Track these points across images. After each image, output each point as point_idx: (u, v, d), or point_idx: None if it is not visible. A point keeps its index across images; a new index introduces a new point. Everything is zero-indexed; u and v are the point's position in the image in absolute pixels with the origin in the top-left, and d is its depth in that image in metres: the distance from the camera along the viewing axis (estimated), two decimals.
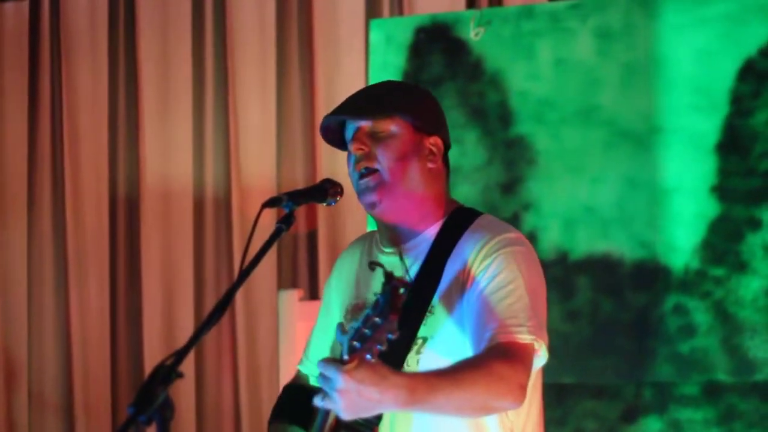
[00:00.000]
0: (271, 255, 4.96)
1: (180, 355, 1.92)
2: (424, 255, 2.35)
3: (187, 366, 4.90)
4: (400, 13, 4.91)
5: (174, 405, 1.86)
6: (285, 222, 2.25)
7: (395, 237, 2.41)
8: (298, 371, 2.63)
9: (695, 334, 3.98)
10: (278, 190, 4.99)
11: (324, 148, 4.96)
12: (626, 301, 4.06)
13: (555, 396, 3.93)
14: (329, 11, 5.07)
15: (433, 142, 2.40)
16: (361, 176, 2.36)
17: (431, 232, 2.38)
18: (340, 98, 4.86)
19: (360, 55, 4.94)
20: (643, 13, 4.14)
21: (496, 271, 2.27)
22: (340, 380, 1.98)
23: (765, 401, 3.91)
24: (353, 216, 4.80)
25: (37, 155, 5.37)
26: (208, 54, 5.22)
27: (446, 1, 4.86)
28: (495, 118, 4.24)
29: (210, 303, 5.10)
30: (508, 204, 4.18)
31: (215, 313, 2.04)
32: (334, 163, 4.85)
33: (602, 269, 4.08)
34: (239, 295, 4.99)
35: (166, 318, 5.19)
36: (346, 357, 2.00)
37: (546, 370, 2.38)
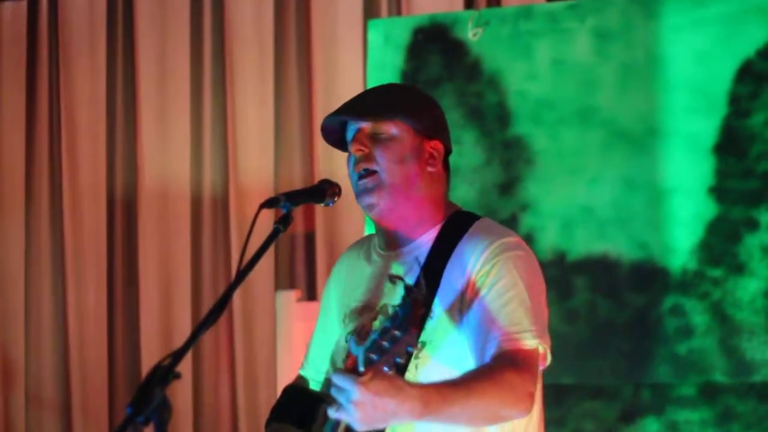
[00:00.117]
0: (269, 255, 4.96)
1: (177, 355, 1.92)
2: (422, 259, 2.35)
3: (185, 366, 4.90)
4: (399, 13, 4.91)
5: (171, 405, 1.86)
6: (283, 222, 2.25)
7: (393, 240, 2.41)
8: (299, 375, 2.63)
9: (693, 335, 3.98)
10: (276, 190, 4.99)
11: (322, 149, 4.96)
12: (624, 301, 4.06)
13: (553, 396, 3.93)
14: (327, 11, 5.07)
15: (434, 145, 2.39)
16: (360, 177, 2.36)
17: (429, 236, 2.38)
18: (338, 98, 4.92)
19: (358, 55, 4.94)
20: (642, 14, 4.14)
21: (496, 277, 2.27)
22: (356, 392, 1.98)
23: (762, 402, 3.91)
24: (351, 217, 4.79)
25: (35, 155, 5.37)
26: (206, 55, 5.22)
27: (444, 1, 4.86)
28: (493, 119, 4.24)
29: (207, 303, 5.10)
30: (505, 204, 4.18)
31: (213, 314, 2.04)
32: (332, 164, 4.84)
33: (600, 270, 4.08)
34: (237, 296, 4.99)
35: (164, 318, 5.19)
36: (362, 369, 1.99)
37: (544, 371, 2.39)
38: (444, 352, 2.27)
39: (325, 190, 2.37)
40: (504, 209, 4.16)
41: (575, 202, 4.12)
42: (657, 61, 4.11)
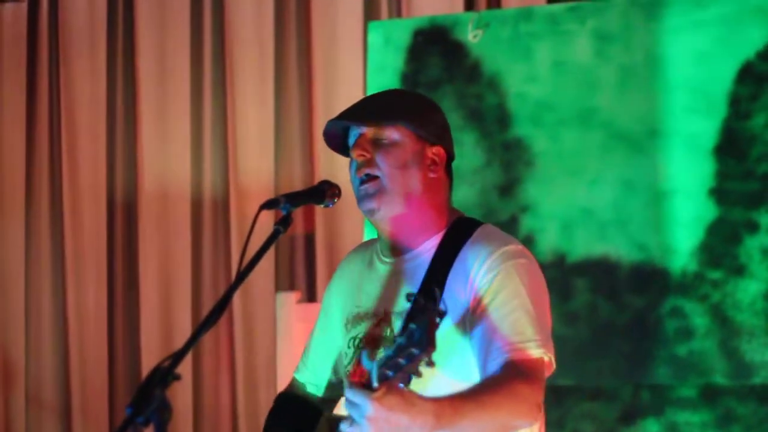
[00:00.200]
0: (269, 257, 4.96)
1: (177, 356, 1.92)
2: (425, 266, 2.35)
3: (185, 368, 4.90)
4: (399, 15, 4.91)
5: (171, 406, 1.86)
6: (283, 224, 2.25)
7: (396, 247, 2.40)
8: (294, 379, 2.62)
9: (693, 336, 3.98)
10: (276, 191, 4.99)
11: (322, 150, 4.96)
12: (624, 303, 4.06)
13: (553, 398, 3.91)
14: (327, 13, 5.07)
15: (436, 151, 2.39)
16: (362, 182, 2.36)
17: (432, 242, 2.37)
18: (338, 100, 4.93)
19: (358, 57, 4.95)
20: (642, 16, 4.14)
21: (499, 286, 2.27)
22: (370, 408, 1.99)
23: (762, 404, 3.91)
24: (351, 218, 4.79)
25: (36, 156, 5.37)
26: (206, 56, 5.22)
27: (445, 3, 4.86)
28: (493, 120, 4.24)
29: (207, 305, 5.10)
30: (505, 206, 4.18)
31: (213, 315, 2.04)
32: (332, 165, 4.84)
33: (600, 272, 4.08)
34: (237, 297, 4.99)
35: (164, 319, 5.19)
36: (375, 384, 2.00)
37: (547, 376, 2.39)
38: (450, 362, 2.27)
39: (325, 192, 2.37)
40: (504, 211, 4.16)
41: (575, 203, 4.12)
42: (657, 62, 4.11)
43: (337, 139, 2.45)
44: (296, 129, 5.08)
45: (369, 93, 4.39)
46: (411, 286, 2.34)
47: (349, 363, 2.41)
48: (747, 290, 3.95)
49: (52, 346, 5.30)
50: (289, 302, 4.34)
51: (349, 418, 2.05)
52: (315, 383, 2.57)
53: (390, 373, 1.99)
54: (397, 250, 2.41)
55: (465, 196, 4.08)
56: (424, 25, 4.37)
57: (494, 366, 2.21)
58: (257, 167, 5.11)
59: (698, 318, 3.98)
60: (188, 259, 5.16)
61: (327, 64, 5.06)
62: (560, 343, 3.83)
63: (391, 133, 2.36)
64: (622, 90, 4.13)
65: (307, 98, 5.08)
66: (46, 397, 5.29)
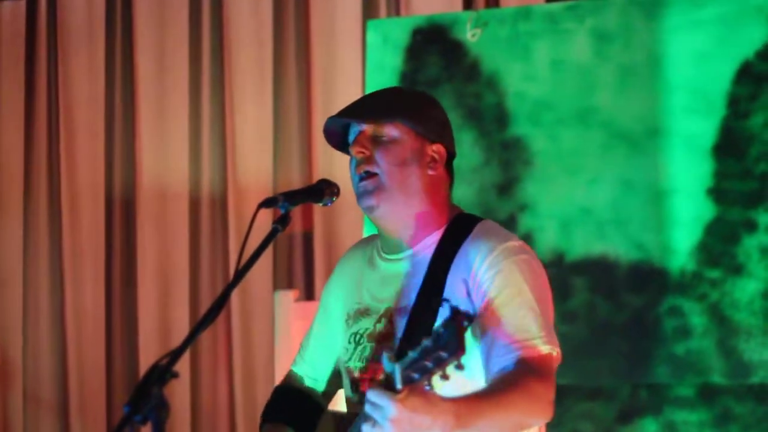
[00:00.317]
0: (267, 255, 4.96)
1: (175, 354, 1.92)
2: (426, 263, 2.35)
3: (183, 366, 4.90)
4: (397, 13, 4.91)
5: (169, 405, 1.86)
6: (281, 222, 2.25)
7: (396, 244, 2.41)
8: (292, 372, 2.63)
9: (691, 336, 3.98)
10: (275, 190, 4.99)
11: (321, 148, 4.96)
12: (622, 302, 4.06)
13: None
14: (326, 12, 5.06)
15: (436, 149, 2.39)
16: (361, 179, 2.36)
17: (432, 239, 2.38)
18: (336, 99, 4.93)
19: (357, 56, 4.94)
20: (641, 15, 4.14)
21: (502, 283, 2.27)
22: (394, 409, 1.99)
23: (760, 403, 3.91)
24: (349, 216, 4.79)
25: (34, 154, 5.37)
26: (204, 54, 5.22)
27: (443, 2, 4.86)
28: (491, 120, 4.24)
29: (206, 303, 5.10)
30: (504, 205, 4.18)
31: (211, 313, 2.04)
32: (331, 163, 4.84)
33: (598, 271, 4.08)
34: (235, 296, 4.99)
35: (162, 318, 5.19)
36: (399, 386, 2.00)
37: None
38: None
39: (323, 190, 2.38)
40: (502, 210, 4.16)
41: (574, 202, 4.13)
42: (656, 62, 4.11)
43: (337, 137, 2.46)
44: (295, 127, 5.08)
45: (368, 92, 4.39)
46: (412, 283, 2.34)
47: (349, 359, 2.42)
48: (745, 289, 3.95)
49: (49, 344, 5.29)
50: (287, 301, 4.34)
51: (371, 419, 2.04)
52: (313, 377, 2.58)
53: (416, 375, 1.99)
54: (397, 247, 2.41)
55: (463, 195, 4.08)
56: (423, 24, 4.37)
57: (501, 363, 2.21)
58: (256, 165, 5.11)
59: (696, 317, 3.98)
60: (186, 258, 5.16)
61: (326, 62, 5.06)
62: (558, 342, 3.82)
63: (391, 131, 2.36)
64: (621, 89, 4.13)
65: (306, 97, 5.08)
66: (43, 395, 5.29)
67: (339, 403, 2.54)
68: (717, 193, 4.01)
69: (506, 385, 2.17)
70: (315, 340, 2.58)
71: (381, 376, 2.23)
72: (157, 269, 5.20)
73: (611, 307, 4.06)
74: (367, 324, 2.40)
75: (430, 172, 2.38)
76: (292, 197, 2.31)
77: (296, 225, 5.02)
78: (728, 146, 4.01)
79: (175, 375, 1.88)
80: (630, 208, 4.07)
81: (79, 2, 5.37)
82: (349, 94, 4.84)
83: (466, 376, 2.21)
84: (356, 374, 2.39)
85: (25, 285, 5.34)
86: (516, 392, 2.15)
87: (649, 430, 3.98)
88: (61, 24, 5.37)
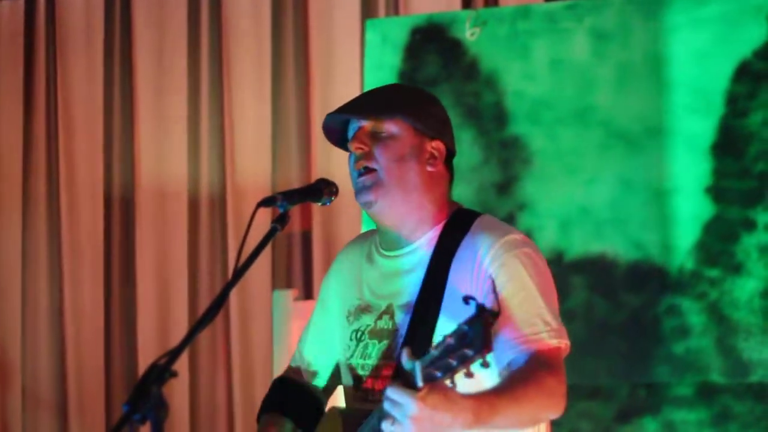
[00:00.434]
0: (266, 254, 4.96)
1: (174, 354, 1.92)
2: (426, 258, 2.36)
3: (181, 365, 4.90)
4: (396, 13, 4.91)
5: (168, 404, 1.86)
6: (280, 221, 2.25)
7: (394, 240, 2.41)
8: (290, 367, 2.63)
9: (690, 335, 3.98)
10: (273, 189, 4.98)
11: (319, 148, 4.96)
12: (621, 301, 4.06)
13: None
14: (325, 11, 5.06)
15: (435, 146, 2.39)
16: (360, 175, 2.36)
17: (432, 235, 2.38)
18: (335, 98, 4.93)
19: (355, 55, 4.94)
20: (639, 14, 4.14)
21: (507, 277, 2.27)
22: (415, 407, 1.98)
23: (759, 402, 3.91)
24: (348, 215, 4.79)
25: (32, 154, 5.37)
26: (203, 53, 5.21)
27: (442, 1, 4.86)
28: (490, 119, 4.24)
29: (204, 302, 5.10)
30: (503, 204, 4.18)
31: (209, 312, 2.04)
32: (330, 163, 4.85)
33: (597, 270, 4.08)
34: (233, 295, 4.99)
35: (161, 317, 5.19)
36: (420, 384, 1.99)
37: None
38: None
39: (322, 189, 2.38)
40: (501, 209, 4.16)
41: (573, 201, 4.12)
42: (654, 61, 4.11)
43: (337, 133, 2.46)
44: (293, 127, 5.08)
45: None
46: (413, 279, 2.35)
47: (351, 356, 2.42)
48: (744, 288, 3.95)
49: (48, 344, 5.29)
50: (285, 300, 4.34)
51: (390, 417, 2.03)
52: (312, 372, 2.58)
53: (438, 374, 1.99)
54: (396, 243, 2.41)
55: (462, 193, 4.07)
56: (422, 22, 4.37)
57: (509, 358, 2.22)
58: (254, 165, 5.10)
59: (695, 316, 3.98)
60: (185, 257, 5.16)
61: (324, 62, 5.06)
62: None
63: (390, 127, 2.37)
64: (620, 88, 4.13)
65: (305, 96, 5.07)
66: (42, 395, 5.29)
67: (338, 399, 2.54)
68: (716, 191, 4.01)
69: (521, 381, 2.17)
70: (313, 336, 2.59)
71: (385, 373, 2.23)
72: (156, 269, 5.20)
73: (610, 307, 4.06)
74: (368, 321, 2.40)
75: (430, 169, 2.38)
76: (291, 196, 2.31)
77: (295, 224, 5.02)
78: (727, 145, 4.01)
79: (174, 374, 1.88)
80: (629, 207, 4.07)
81: (77, 1, 5.37)
82: (348, 93, 4.83)
83: (485, 373, 2.21)
84: (359, 371, 2.39)
85: (24, 284, 5.34)
86: (530, 388, 2.15)
87: (648, 430, 3.98)
88: (60, 23, 5.37)
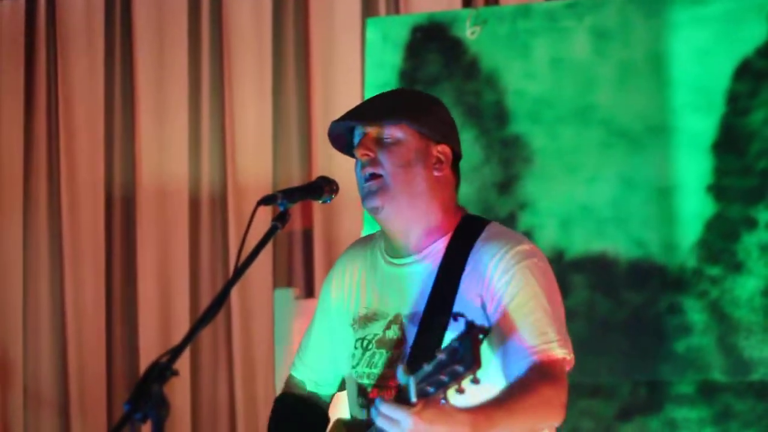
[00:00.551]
0: (267, 253, 4.96)
1: (175, 352, 1.92)
2: (434, 269, 2.34)
3: (183, 364, 4.89)
4: (397, 11, 4.91)
5: (169, 402, 1.86)
6: (280, 220, 2.25)
7: (402, 247, 2.40)
8: (292, 378, 2.61)
9: (691, 333, 3.98)
10: (274, 187, 4.98)
11: (320, 146, 4.96)
12: (622, 300, 4.06)
13: None
14: (326, 10, 5.06)
15: (441, 150, 2.39)
16: (366, 181, 2.35)
17: (440, 245, 2.37)
18: (336, 97, 4.93)
19: (356, 54, 4.94)
20: (640, 13, 4.14)
21: (516, 288, 2.27)
22: (411, 423, 2.00)
23: (760, 400, 3.91)
24: (349, 214, 4.79)
25: (33, 152, 5.37)
26: (204, 52, 5.21)
27: None
28: (491, 117, 4.23)
29: (205, 300, 5.10)
30: (504, 203, 4.18)
31: (211, 311, 2.04)
32: (330, 162, 4.84)
33: (598, 268, 4.08)
34: (235, 293, 4.99)
35: (162, 315, 5.19)
36: (414, 399, 2.00)
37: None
38: None
39: (322, 187, 2.37)
40: (502, 208, 4.16)
41: (574, 200, 4.12)
42: (655, 59, 4.10)
43: (342, 140, 2.45)
44: (294, 125, 5.08)
45: (367, 90, 4.40)
46: (421, 290, 2.34)
47: (357, 364, 2.40)
48: (745, 286, 3.95)
49: (50, 342, 5.29)
50: (287, 298, 4.35)
51: None
52: (315, 380, 2.56)
53: (431, 389, 1.99)
54: (403, 250, 2.40)
55: (463, 193, 4.02)
56: (422, 21, 4.37)
57: (519, 368, 2.22)
58: (255, 163, 5.10)
59: (696, 314, 3.98)
60: (186, 256, 5.16)
61: (325, 61, 5.05)
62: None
63: (395, 132, 2.36)
64: (621, 87, 4.13)
65: (305, 95, 5.07)
66: (44, 394, 5.29)
67: (339, 406, 2.52)
68: (717, 190, 4.01)
69: (518, 391, 2.18)
70: (315, 342, 2.57)
71: (391, 383, 2.22)
72: (157, 267, 5.20)
73: (611, 305, 4.06)
74: (375, 330, 2.39)
75: (436, 173, 2.37)
76: (291, 194, 2.30)
77: (296, 222, 5.01)
78: (728, 143, 4.01)
79: (175, 373, 1.88)
80: (630, 205, 4.07)
81: (78, 1, 5.37)
82: (348, 92, 4.84)
83: (481, 388, 2.21)
84: (364, 380, 2.38)
85: (25, 283, 5.34)
86: (528, 398, 2.16)
87: (650, 428, 3.98)
88: (61, 22, 5.37)
